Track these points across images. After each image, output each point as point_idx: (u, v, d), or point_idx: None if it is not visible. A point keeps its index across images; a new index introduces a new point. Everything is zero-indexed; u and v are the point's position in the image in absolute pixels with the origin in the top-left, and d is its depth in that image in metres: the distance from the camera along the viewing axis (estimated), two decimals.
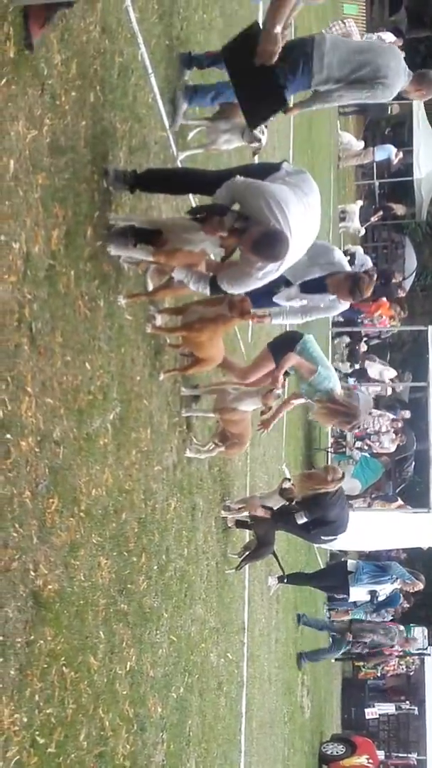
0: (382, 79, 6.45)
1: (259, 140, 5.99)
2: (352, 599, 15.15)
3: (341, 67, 6.41)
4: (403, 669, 22.17)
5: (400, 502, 18.01)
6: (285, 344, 7.95)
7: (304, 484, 8.80)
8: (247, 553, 9.21)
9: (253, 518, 9.02)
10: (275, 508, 9.12)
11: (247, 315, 6.05)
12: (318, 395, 7.64)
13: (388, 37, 24.60)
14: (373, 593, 14.94)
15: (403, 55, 6.59)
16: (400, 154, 25.65)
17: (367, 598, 15.11)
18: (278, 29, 5.08)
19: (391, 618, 17.23)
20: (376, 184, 31.14)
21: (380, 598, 15.05)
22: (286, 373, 7.70)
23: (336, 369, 10.89)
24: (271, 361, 7.87)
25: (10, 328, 4.01)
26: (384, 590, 14.91)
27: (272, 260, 5.66)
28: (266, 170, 5.92)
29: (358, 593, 14.72)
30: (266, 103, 6.26)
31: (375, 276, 7.48)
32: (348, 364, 20.78)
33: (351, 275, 7.03)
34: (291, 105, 7.00)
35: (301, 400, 8.29)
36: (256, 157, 7.52)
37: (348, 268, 7.21)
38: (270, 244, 5.56)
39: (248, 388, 7.65)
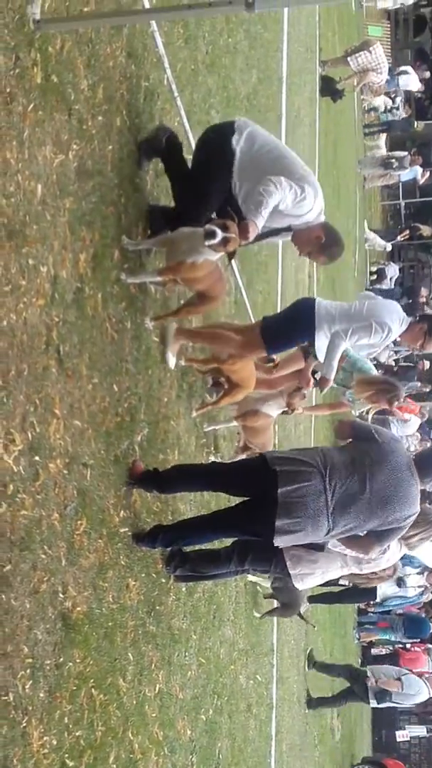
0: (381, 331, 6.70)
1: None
2: (379, 597, 14.93)
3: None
4: None
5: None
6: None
7: None
8: (273, 609, 9.24)
9: (276, 589, 8.96)
10: None
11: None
12: (356, 375, 7.53)
13: (412, 81, 24.67)
14: (400, 580, 14.70)
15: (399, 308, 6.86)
16: (427, 174, 25.64)
17: (395, 590, 14.86)
18: None
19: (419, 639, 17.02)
20: (402, 204, 31.18)
21: (408, 584, 14.77)
22: (314, 373, 7.51)
23: None
24: (300, 360, 7.70)
25: (38, 351, 4.04)
26: (411, 579, 14.67)
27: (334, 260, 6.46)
28: (222, 145, 5.87)
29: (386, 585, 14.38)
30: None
31: None
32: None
33: (427, 318, 6.92)
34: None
35: (345, 408, 8.23)
36: None
37: None
38: (334, 245, 6.25)
39: (273, 390, 7.55)
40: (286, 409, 7.43)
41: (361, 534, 5.69)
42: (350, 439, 5.67)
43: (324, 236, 6.20)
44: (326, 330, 6.50)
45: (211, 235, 5.27)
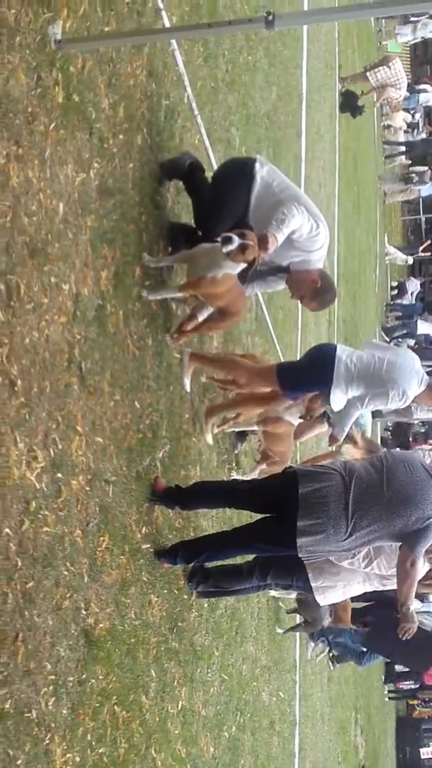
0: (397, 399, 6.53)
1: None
2: None
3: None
4: None
5: None
6: None
7: None
8: (296, 624, 9.22)
9: (299, 603, 8.93)
10: None
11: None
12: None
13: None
14: (423, 596, 14.55)
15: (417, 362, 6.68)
16: None
17: (419, 605, 14.71)
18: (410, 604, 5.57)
19: None
20: (423, 219, 31.16)
21: (431, 599, 14.64)
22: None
23: None
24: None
25: (60, 368, 4.06)
26: None
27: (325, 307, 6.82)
28: (243, 169, 5.98)
29: None
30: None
31: None
32: None
33: None
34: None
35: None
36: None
37: None
38: (328, 291, 6.44)
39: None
40: (304, 416, 7.41)
41: (388, 549, 5.70)
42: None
43: (320, 281, 6.30)
44: (343, 387, 6.44)
45: (228, 241, 5.27)
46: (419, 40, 27.13)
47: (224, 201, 5.88)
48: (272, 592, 8.49)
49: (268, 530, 5.54)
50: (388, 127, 26.07)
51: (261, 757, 7.46)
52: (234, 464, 7.47)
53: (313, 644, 11.02)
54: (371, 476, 5.33)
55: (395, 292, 26.24)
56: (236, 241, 5.25)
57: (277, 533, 5.44)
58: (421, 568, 6.20)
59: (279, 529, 5.42)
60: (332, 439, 6.96)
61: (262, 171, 5.92)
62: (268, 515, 5.63)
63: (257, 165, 5.94)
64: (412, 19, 25.51)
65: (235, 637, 7.01)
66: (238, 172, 5.96)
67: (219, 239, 5.32)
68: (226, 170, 6.09)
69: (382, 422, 21.14)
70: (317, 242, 6.05)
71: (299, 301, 6.64)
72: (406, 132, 26.39)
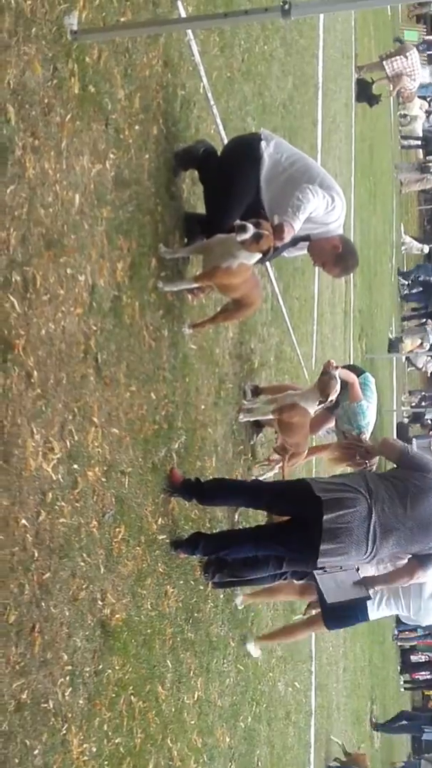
0: None
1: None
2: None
3: None
4: None
5: None
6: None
7: None
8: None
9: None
10: None
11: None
12: (347, 427, 7.50)
13: None
14: None
15: None
16: None
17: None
18: None
19: None
20: None
21: None
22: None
23: None
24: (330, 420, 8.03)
25: (76, 360, 4.06)
26: None
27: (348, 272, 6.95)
28: (249, 150, 5.91)
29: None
30: None
31: None
32: None
33: None
34: None
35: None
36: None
37: None
38: (350, 257, 6.36)
39: (308, 388, 7.54)
40: (322, 399, 7.37)
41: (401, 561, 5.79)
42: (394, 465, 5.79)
43: (341, 246, 6.22)
44: None
45: (243, 229, 5.24)
46: None
47: (234, 190, 5.83)
48: None
49: (290, 540, 5.62)
50: (405, 116, 25.96)
51: (277, 747, 7.47)
52: (250, 455, 7.46)
53: None
54: (393, 500, 5.39)
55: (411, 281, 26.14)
56: (251, 230, 5.23)
57: (300, 546, 5.55)
58: (420, 577, 6.19)
59: (302, 543, 5.51)
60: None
61: (269, 148, 5.84)
62: (289, 518, 5.67)
63: (263, 143, 5.86)
64: None
65: (251, 628, 7.02)
66: (244, 154, 5.88)
67: (235, 226, 5.30)
68: (231, 154, 6.00)
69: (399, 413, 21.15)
70: (333, 215, 5.98)
71: (321, 268, 6.56)
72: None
